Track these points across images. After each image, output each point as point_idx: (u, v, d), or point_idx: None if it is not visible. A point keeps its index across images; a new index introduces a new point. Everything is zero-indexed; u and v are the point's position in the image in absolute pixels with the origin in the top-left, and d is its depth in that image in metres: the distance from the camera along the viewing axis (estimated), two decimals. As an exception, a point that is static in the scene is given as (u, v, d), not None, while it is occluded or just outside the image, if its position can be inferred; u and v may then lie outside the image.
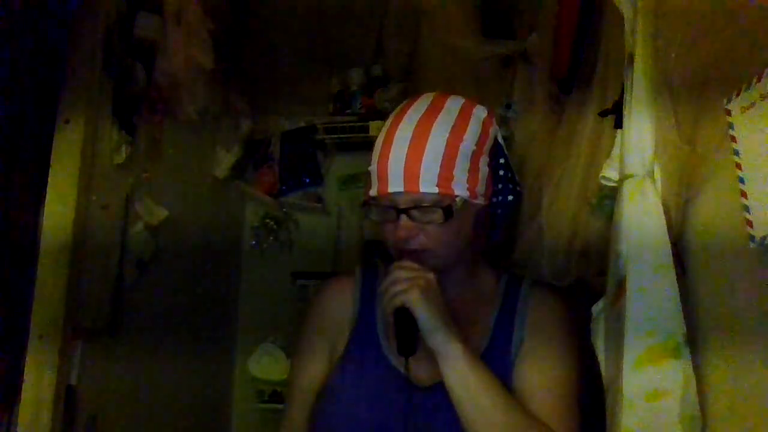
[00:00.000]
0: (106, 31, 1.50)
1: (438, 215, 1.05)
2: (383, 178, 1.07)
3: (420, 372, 1.06)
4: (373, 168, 1.10)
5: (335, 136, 2.34)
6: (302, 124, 2.40)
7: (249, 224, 2.54)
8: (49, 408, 1.33)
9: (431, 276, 1.04)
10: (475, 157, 1.08)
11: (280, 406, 2.23)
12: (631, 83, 0.97)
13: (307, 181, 2.48)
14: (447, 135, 1.06)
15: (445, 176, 1.05)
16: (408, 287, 1.01)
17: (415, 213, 1.05)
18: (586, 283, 1.32)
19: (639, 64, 0.97)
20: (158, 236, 1.75)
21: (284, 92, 2.32)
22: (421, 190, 1.04)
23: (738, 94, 0.79)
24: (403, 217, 1.05)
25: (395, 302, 1.02)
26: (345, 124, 2.30)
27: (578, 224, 1.31)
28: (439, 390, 1.04)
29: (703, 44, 0.90)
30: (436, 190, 1.04)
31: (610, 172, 1.04)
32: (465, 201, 1.07)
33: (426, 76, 1.94)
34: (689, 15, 0.94)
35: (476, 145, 1.09)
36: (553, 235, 1.37)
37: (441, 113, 1.09)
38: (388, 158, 1.06)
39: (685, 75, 0.94)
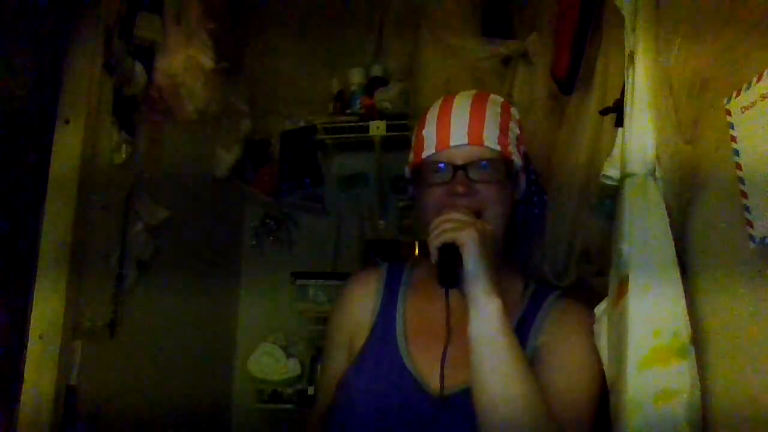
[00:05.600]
0: (106, 31, 1.50)
1: (500, 173, 1.03)
2: (444, 135, 1.05)
3: (437, 380, 0.98)
4: (428, 130, 1.08)
5: (335, 136, 2.33)
6: (302, 124, 2.39)
7: (249, 224, 2.54)
8: (49, 408, 1.33)
9: (490, 227, 0.98)
10: (518, 143, 1.11)
11: (280, 407, 2.24)
12: (632, 82, 0.97)
13: (307, 181, 2.47)
14: (500, 111, 1.09)
15: (504, 141, 1.06)
16: (464, 226, 0.93)
17: (472, 170, 1.03)
18: (586, 283, 1.31)
19: (639, 64, 0.97)
20: (158, 236, 1.75)
21: (284, 92, 2.32)
22: (486, 144, 1.04)
23: (738, 94, 0.79)
24: (460, 173, 1.03)
25: (445, 237, 0.93)
26: (345, 124, 2.30)
27: (578, 224, 1.31)
28: (458, 399, 0.98)
29: (703, 44, 0.90)
30: (498, 147, 1.05)
31: (611, 171, 1.04)
32: (518, 171, 1.08)
33: (426, 76, 1.94)
34: (689, 15, 0.94)
35: (517, 138, 1.12)
36: (553, 235, 1.37)
37: (489, 98, 1.12)
38: (449, 117, 1.06)
39: (685, 75, 0.94)
